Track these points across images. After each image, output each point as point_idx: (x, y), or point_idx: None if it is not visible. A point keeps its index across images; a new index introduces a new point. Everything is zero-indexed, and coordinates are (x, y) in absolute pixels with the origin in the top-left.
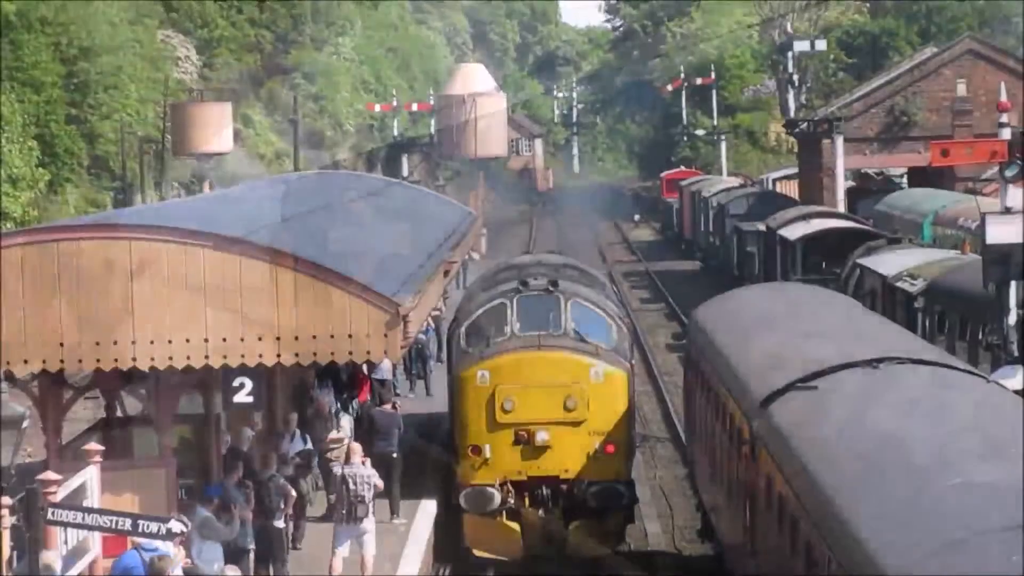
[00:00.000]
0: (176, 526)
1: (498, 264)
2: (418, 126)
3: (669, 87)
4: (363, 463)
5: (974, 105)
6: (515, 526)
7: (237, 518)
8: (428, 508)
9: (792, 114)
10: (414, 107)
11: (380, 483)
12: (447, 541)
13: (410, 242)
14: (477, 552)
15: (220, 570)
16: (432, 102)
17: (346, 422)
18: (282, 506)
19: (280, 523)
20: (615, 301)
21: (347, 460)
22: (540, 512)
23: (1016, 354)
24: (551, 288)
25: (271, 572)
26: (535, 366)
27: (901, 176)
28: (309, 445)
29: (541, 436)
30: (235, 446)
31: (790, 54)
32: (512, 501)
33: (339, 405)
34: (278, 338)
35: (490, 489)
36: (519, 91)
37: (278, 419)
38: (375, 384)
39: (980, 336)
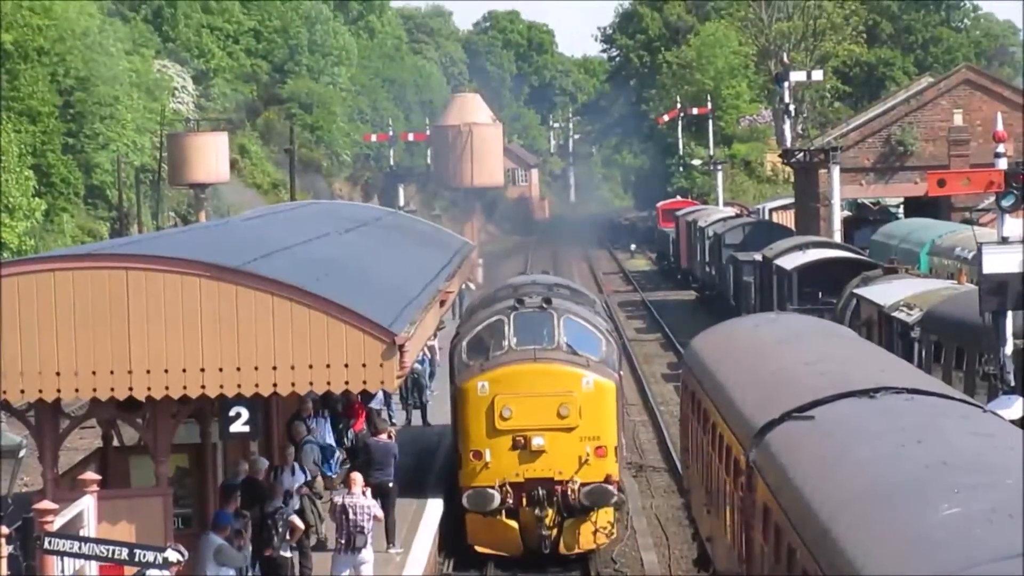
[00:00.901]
0: (172, 555)
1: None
2: (414, 156)
3: (665, 117)
4: (363, 493)
5: (971, 135)
6: (513, 524)
7: (248, 545)
8: (425, 536)
9: (788, 144)
10: (410, 137)
11: (380, 513)
12: (453, 539)
13: (406, 271)
14: (479, 548)
15: None
16: (428, 132)
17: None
18: (288, 537)
19: (287, 553)
20: (604, 317)
21: (348, 490)
22: (536, 511)
23: (1013, 384)
24: (545, 305)
25: None
26: (531, 377)
27: (897, 206)
28: (309, 476)
29: (537, 441)
30: (252, 476)
31: (786, 84)
32: (511, 501)
33: (333, 440)
34: (274, 367)
35: (490, 490)
36: (515, 121)
37: (275, 448)
38: (371, 412)
39: (977, 366)
